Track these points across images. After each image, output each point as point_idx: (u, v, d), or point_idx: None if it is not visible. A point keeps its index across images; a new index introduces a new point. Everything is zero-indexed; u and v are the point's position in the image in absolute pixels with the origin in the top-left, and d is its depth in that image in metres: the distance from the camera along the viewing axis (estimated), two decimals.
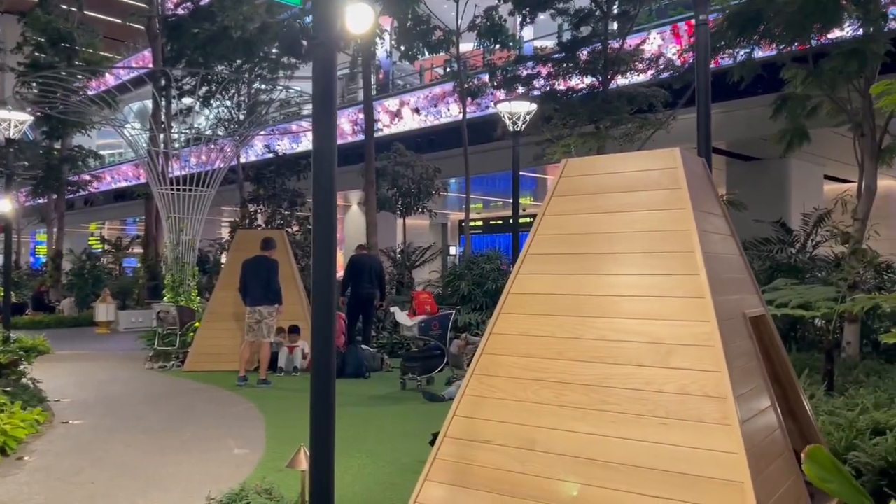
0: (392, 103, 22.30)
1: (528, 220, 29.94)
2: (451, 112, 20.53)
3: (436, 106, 20.87)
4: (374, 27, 15.04)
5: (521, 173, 22.29)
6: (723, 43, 11.24)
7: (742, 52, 11.02)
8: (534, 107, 11.92)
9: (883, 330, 9.02)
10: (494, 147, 17.43)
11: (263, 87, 21.16)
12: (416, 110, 21.44)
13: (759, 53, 11.75)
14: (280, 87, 20.48)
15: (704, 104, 6.08)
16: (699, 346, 3.53)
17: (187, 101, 22.14)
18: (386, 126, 22.30)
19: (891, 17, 11.81)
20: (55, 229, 29.17)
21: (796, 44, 10.07)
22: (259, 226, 14.76)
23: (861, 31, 9.37)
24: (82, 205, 39.34)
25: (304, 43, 17.02)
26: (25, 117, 12.95)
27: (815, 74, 9.53)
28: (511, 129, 11.85)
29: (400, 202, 17.95)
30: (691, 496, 3.33)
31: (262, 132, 24.30)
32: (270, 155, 16.83)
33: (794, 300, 7.67)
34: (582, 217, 4.14)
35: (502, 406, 4.00)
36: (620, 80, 14.77)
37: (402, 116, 21.82)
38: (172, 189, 15.81)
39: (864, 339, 9.98)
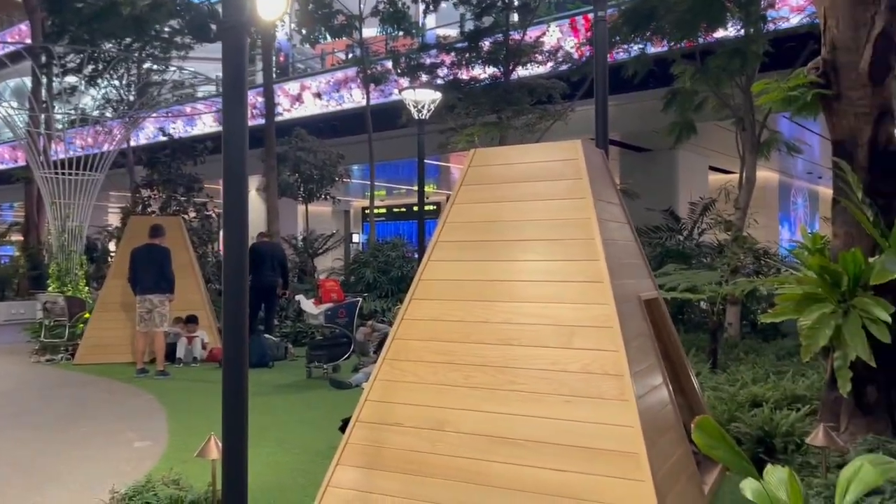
0: (293, 87, 21.89)
1: (432, 207, 30.19)
2: (355, 98, 20.36)
3: (338, 91, 20.66)
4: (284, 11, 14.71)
5: (424, 161, 22.45)
6: (618, 38, 11.76)
7: (636, 48, 11.56)
8: (438, 95, 12.04)
9: (760, 311, 9.72)
10: (399, 134, 17.45)
11: (155, 67, 20.25)
12: (318, 95, 21.13)
13: (651, 49, 12.35)
14: (174, 68, 19.67)
15: (602, 99, 6.36)
16: (599, 328, 3.74)
17: (72, 79, 20.92)
18: (286, 110, 21.87)
19: (770, 18, 12.67)
20: None
21: (686, 41, 10.65)
22: (153, 212, 14.20)
23: (743, 32, 10.00)
24: None
25: (213, 27, 16.43)
26: None
27: (702, 71, 10.12)
28: (416, 116, 11.93)
29: (302, 188, 17.69)
30: (592, 467, 3.54)
31: (155, 114, 23.32)
32: (164, 138, 16.16)
33: (682, 284, 8.18)
34: (489, 206, 4.28)
35: (413, 389, 4.10)
36: (521, 72, 15.10)
37: (304, 101, 21.47)
38: (57, 173, 14.96)
39: (745, 319, 10.74)
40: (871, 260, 4.90)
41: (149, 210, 14.29)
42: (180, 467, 4.71)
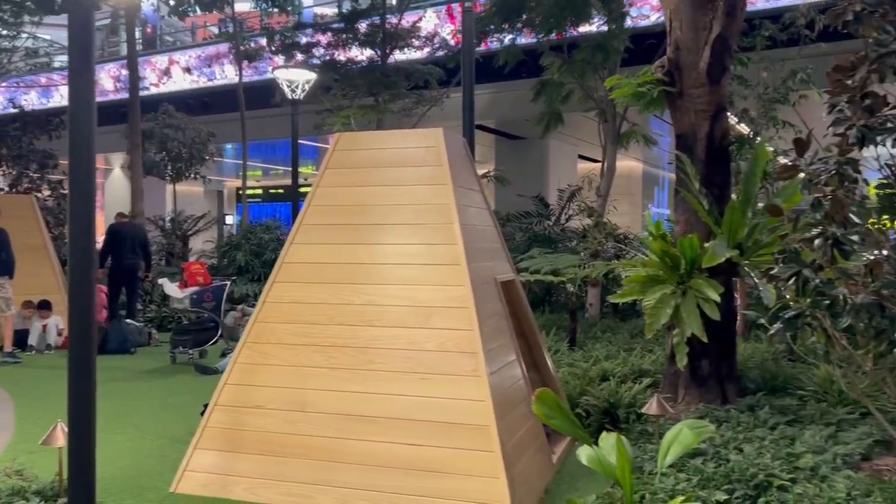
0: (161, 60, 20.85)
1: (308, 189, 29.73)
2: (227, 74, 19.67)
3: (210, 66, 19.89)
4: None
5: (301, 142, 22.03)
6: (491, 27, 12.05)
7: (507, 38, 11.89)
8: (313, 76, 11.89)
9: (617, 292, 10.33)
10: (273, 113, 17.05)
11: (4, 32, 18.71)
12: (188, 70, 20.26)
13: (522, 40, 12.74)
14: (25, 34, 18.25)
15: (469, 87, 6.53)
16: (455, 308, 3.91)
17: None
18: (154, 85, 20.83)
19: (633, 16, 13.38)
20: None
21: (554, 34, 11.08)
22: (1, 189, 13.19)
23: (606, 28, 10.53)
24: None
25: None
26: None
27: (568, 64, 10.57)
28: (289, 96, 11.73)
29: (170, 167, 16.95)
30: (444, 441, 3.72)
31: (4, 84, 21.52)
32: (14, 110, 14.99)
33: (545, 267, 8.57)
34: (353, 189, 4.34)
35: (275, 372, 4.12)
36: (399, 56, 15.14)
37: (172, 76, 20.52)
38: None
39: (604, 300, 11.38)
40: (706, 245, 5.36)
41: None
42: (26, 458, 4.50)
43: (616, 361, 6.60)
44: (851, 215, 3.80)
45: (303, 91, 11.63)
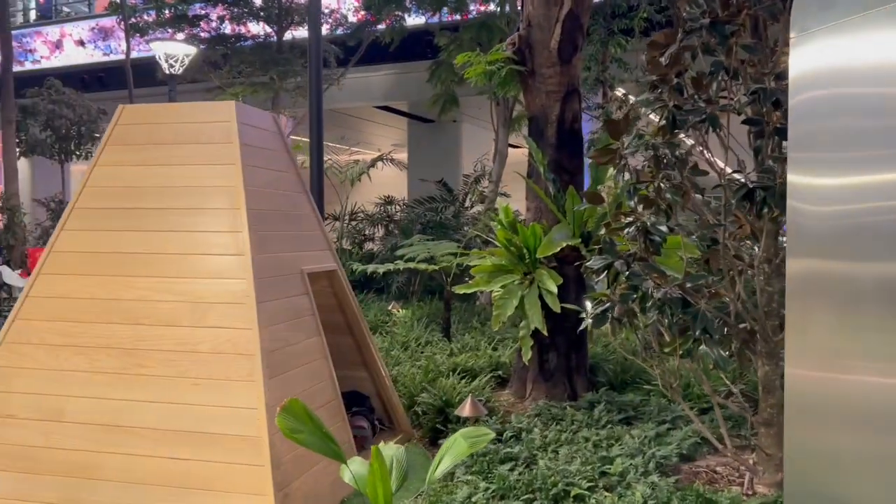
0: (52, 32, 19.58)
1: None
2: (123, 49, 18.58)
3: (105, 40, 18.75)
4: None
5: None
6: (393, 4, 11.59)
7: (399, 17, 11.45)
8: (192, 50, 11.19)
9: None
10: (164, 91, 16.20)
11: None
12: (81, 42, 19.07)
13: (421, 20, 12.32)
14: None
15: (316, 68, 6.05)
16: (234, 304, 3.49)
17: None
18: (45, 58, 19.56)
19: None
20: None
21: (447, 13, 10.71)
22: None
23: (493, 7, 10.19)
24: None
25: None
26: None
27: (456, 43, 10.21)
28: (167, 71, 11.02)
29: (57, 146, 15.91)
30: (211, 454, 3.30)
31: None
32: None
33: (421, 255, 8.22)
34: (134, 169, 3.85)
35: (32, 377, 3.62)
36: (300, 33, 14.50)
37: (64, 49, 19.28)
38: None
39: None
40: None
41: None
42: None
43: (476, 354, 6.30)
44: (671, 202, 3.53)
45: (181, 66, 10.91)
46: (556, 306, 4.92)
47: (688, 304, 3.30)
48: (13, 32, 20.65)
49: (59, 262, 3.80)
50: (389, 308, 9.66)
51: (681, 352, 3.46)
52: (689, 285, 3.32)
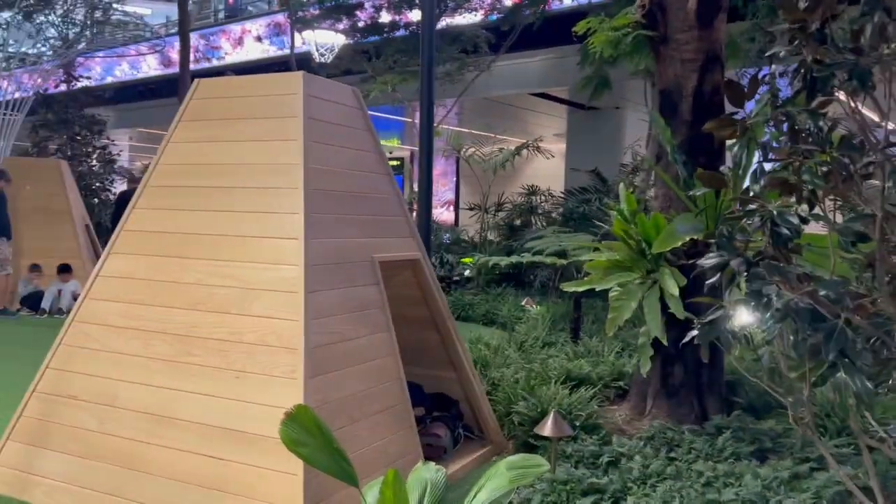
0: (235, 30, 20.92)
1: (395, 163, 29.36)
2: (297, 43, 19.41)
3: (278, 35, 19.70)
4: None
5: (386, 115, 21.61)
6: None
7: None
8: (341, 38, 11.26)
9: None
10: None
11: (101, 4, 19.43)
12: (259, 39, 20.18)
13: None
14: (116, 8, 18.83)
15: (428, 53, 5.61)
16: (284, 292, 3.18)
17: (5, 14, 19.98)
18: (228, 54, 20.93)
19: None
20: None
21: None
22: (53, 153, 13.49)
23: None
24: None
25: None
26: None
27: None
28: (318, 59, 11.18)
29: None
30: (247, 456, 3.02)
31: (102, 55, 22.35)
32: (79, 83, 15.19)
33: (551, 248, 7.62)
34: (204, 146, 3.67)
35: (94, 358, 3.54)
36: (455, 21, 14.27)
37: (244, 45, 20.52)
38: None
39: None
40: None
41: (48, 152, 13.56)
42: None
43: (592, 360, 5.63)
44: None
45: (331, 54, 11.02)
46: (679, 311, 4.17)
47: (821, 318, 2.51)
48: (203, 31, 22.41)
49: (127, 242, 3.70)
50: (523, 303, 9.13)
51: (813, 378, 2.67)
52: (822, 293, 2.53)
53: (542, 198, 12.78)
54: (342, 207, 3.54)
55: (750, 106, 2.76)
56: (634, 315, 4.57)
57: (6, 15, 20.85)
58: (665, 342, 4.24)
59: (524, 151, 11.82)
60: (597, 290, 4.57)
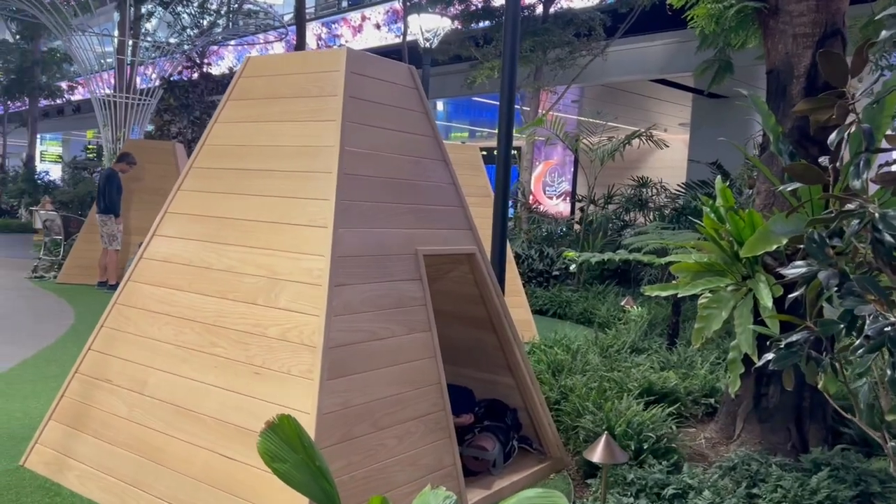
0: (355, 17, 21.20)
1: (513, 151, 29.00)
2: (413, 31, 19.40)
3: (396, 22, 19.75)
4: None
5: (496, 103, 21.30)
6: None
7: None
8: (445, 22, 11.00)
9: None
10: (447, 71, 16.50)
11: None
12: (378, 26, 20.34)
13: None
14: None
15: (512, 35, 5.19)
16: (309, 285, 2.94)
17: (148, 7, 21.35)
18: (348, 42, 21.24)
19: None
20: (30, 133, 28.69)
21: None
22: (174, 137, 14.12)
23: None
24: (71, 112, 38.60)
25: None
26: None
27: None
28: (423, 45, 10.99)
29: None
30: (259, 460, 2.79)
31: (233, 43, 23.40)
32: (201, 70, 15.78)
33: (651, 245, 7.04)
34: (248, 126, 3.50)
35: (130, 342, 3.46)
36: (573, 2, 13.66)
37: (363, 32, 20.75)
38: (113, 96, 15.19)
39: None
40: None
41: (172, 135, 14.21)
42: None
43: (682, 372, 5.08)
44: None
45: (436, 37, 10.79)
46: (773, 325, 3.60)
47: None
48: (325, 20, 22.90)
49: (169, 224, 3.60)
50: (623, 304, 8.55)
51: None
52: None
53: (654, 191, 12.00)
54: (382, 195, 3.26)
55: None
56: (728, 325, 4.03)
57: (147, 6, 22.24)
58: (756, 360, 3.68)
59: (635, 141, 11.09)
60: (678, 295, 4.04)
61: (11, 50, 28.81)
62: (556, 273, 10.67)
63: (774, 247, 3.42)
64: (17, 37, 29.10)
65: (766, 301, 3.58)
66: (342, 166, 3.07)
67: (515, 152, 29.63)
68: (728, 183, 12.42)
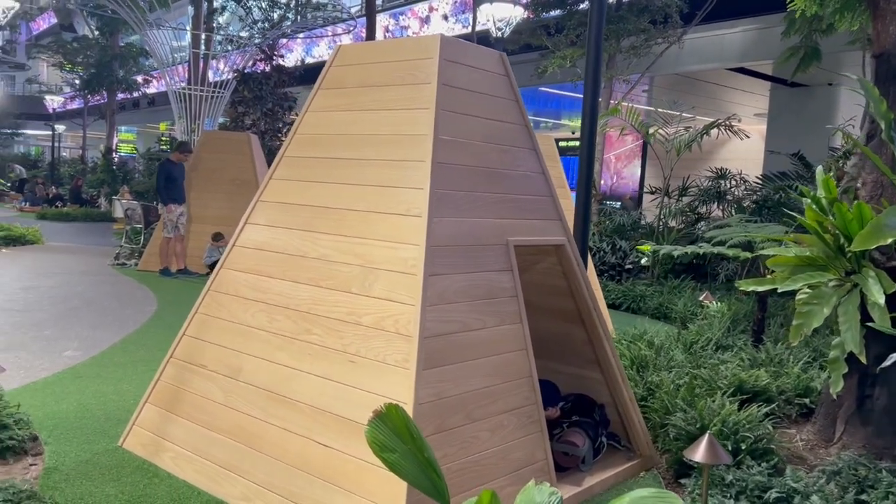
0: (422, 8, 21.20)
1: (576, 143, 28.59)
2: (480, 21, 19.29)
3: (464, 13, 19.67)
4: None
5: (573, 94, 20.98)
6: None
7: None
8: (518, 10, 10.87)
9: None
10: (516, 61, 16.33)
11: None
12: (445, 17, 20.29)
13: None
14: None
15: (597, 24, 5.05)
16: (403, 274, 2.93)
17: (220, 1, 21.85)
18: (416, 34, 21.28)
19: None
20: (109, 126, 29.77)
21: None
22: (248, 128, 14.39)
23: None
24: (146, 105, 39.88)
25: None
26: (11, 3, 12.80)
27: None
28: (495, 34, 10.89)
29: None
30: (354, 447, 2.81)
31: (301, 36, 23.76)
32: (274, 62, 16.02)
33: (735, 238, 6.80)
34: (340, 115, 3.50)
35: (224, 329, 3.52)
36: None
37: (431, 23, 20.73)
38: (189, 89, 15.63)
39: None
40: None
41: (245, 126, 14.50)
42: (54, 387, 4.52)
43: (773, 370, 4.88)
44: None
45: (508, 28, 10.67)
46: (884, 323, 3.40)
47: None
48: (393, 11, 22.99)
49: (262, 212, 3.64)
50: (701, 298, 8.31)
51: None
52: None
53: (734, 182, 11.62)
54: (474, 184, 3.21)
55: None
56: (827, 322, 3.84)
57: (220, 1, 22.74)
58: (864, 359, 3.49)
59: (713, 131, 10.76)
60: (779, 290, 3.87)
61: (91, 46, 29.95)
62: (629, 266, 10.45)
63: (889, 240, 3.23)
64: (97, 32, 30.19)
65: (878, 297, 3.39)
66: (436, 155, 3.03)
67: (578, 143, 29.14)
68: (811, 174, 11.97)
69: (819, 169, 4.19)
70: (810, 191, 4.02)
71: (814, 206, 3.86)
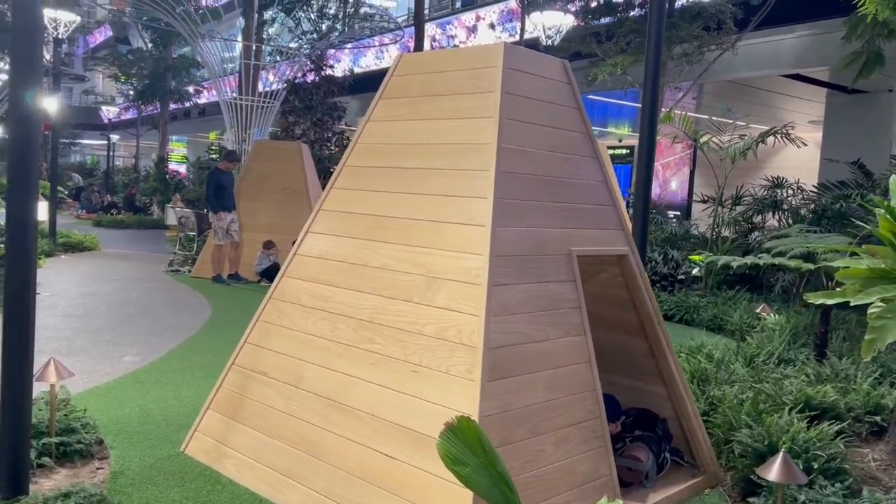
0: (468, 17, 21.25)
1: (624, 151, 28.26)
2: (530, 28, 19.24)
3: (511, 21, 19.64)
4: None
5: (619, 102, 20.79)
6: None
7: None
8: (569, 18, 10.79)
9: None
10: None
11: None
12: (492, 26, 20.29)
13: None
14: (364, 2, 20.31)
15: (657, 31, 4.98)
16: (466, 284, 2.90)
17: (269, 13, 22.29)
18: (462, 43, 21.33)
19: None
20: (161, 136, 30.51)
21: None
22: (298, 137, 14.58)
23: None
24: (196, 115, 40.77)
25: None
26: (73, 17, 13.21)
27: None
28: (543, 42, 10.83)
29: None
30: (417, 458, 2.79)
31: (349, 46, 24.07)
32: (323, 73, 16.23)
33: (796, 249, 6.61)
34: (403, 124, 3.50)
35: (285, 337, 3.54)
36: None
37: (478, 32, 20.76)
38: (240, 99, 15.94)
39: None
40: None
41: (296, 136, 14.70)
42: (116, 392, 4.61)
43: (840, 386, 4.71)
44: None
45: (558, 36, 10.61)
46: None
47: None
48: (440, 21, 23.11)
49: (323, 221, 3.66)
50: (758, 311, 8.10)
51: None
52: None
53: (790, 192, 11.32)
54: (537, 193, 3.18)
55: None
56: None
57: (270, 13, 23.18)
58: None
59: (769, 139, 10.51)
60: (851, 303, 3.73)
61: (145, 57, 30.80)
62: (681, 277, 10.26)
63: None
64: (151, 45, 31.05)
65: None
66: (499, 164, 3.01)
67: (627, 150, 28.85)
68: (871, 183, 11.61)
69: (893, 178, 4.04)
70: (883, 201, 3.88)
71: (888, 217, 3.72)
